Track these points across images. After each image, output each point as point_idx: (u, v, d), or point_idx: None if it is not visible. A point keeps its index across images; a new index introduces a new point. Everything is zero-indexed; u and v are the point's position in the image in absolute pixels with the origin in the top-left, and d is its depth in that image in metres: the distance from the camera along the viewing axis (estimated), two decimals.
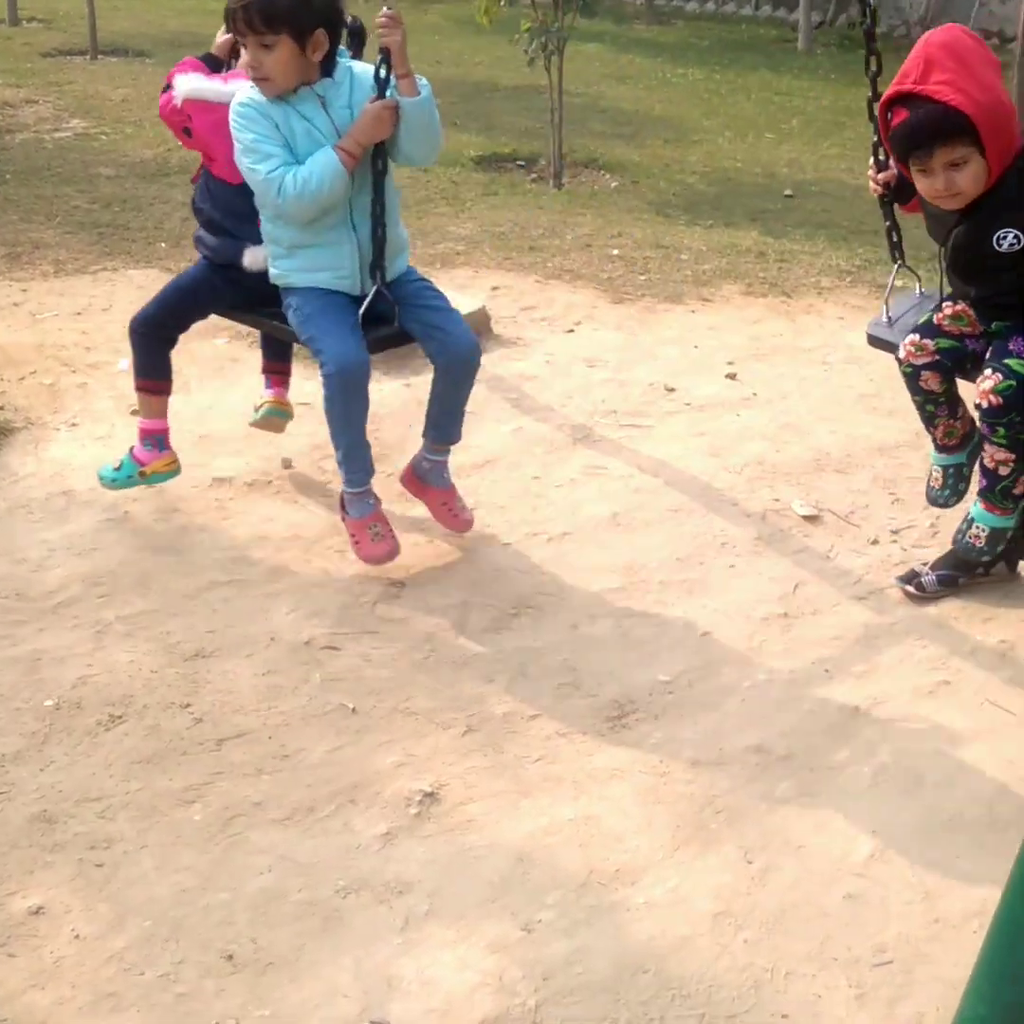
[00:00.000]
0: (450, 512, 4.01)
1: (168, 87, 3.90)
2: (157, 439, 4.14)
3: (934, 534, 4.20)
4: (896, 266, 3.78)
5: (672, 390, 5.21)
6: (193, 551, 4.00)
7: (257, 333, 5.36)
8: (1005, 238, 3.23)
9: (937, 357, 3.52)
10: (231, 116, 3.57)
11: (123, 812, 2.93)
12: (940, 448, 3.73)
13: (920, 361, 3.53)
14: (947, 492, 3.76)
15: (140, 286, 6.16)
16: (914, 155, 3.24)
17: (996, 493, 3.52)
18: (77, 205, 7.42)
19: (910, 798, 3.07)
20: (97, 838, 2.86)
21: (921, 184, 3.31)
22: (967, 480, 3.74)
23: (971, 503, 3.63)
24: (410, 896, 2.73)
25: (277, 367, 4.60)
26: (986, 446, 3.46)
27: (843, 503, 4.41)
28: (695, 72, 12.98)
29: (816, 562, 4.08)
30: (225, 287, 3.98)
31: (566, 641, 3.64)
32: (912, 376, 3.57)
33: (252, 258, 3.87)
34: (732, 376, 5.36)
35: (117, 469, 4.14)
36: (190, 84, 3.82)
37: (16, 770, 3.05)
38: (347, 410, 3.68)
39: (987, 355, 3.42)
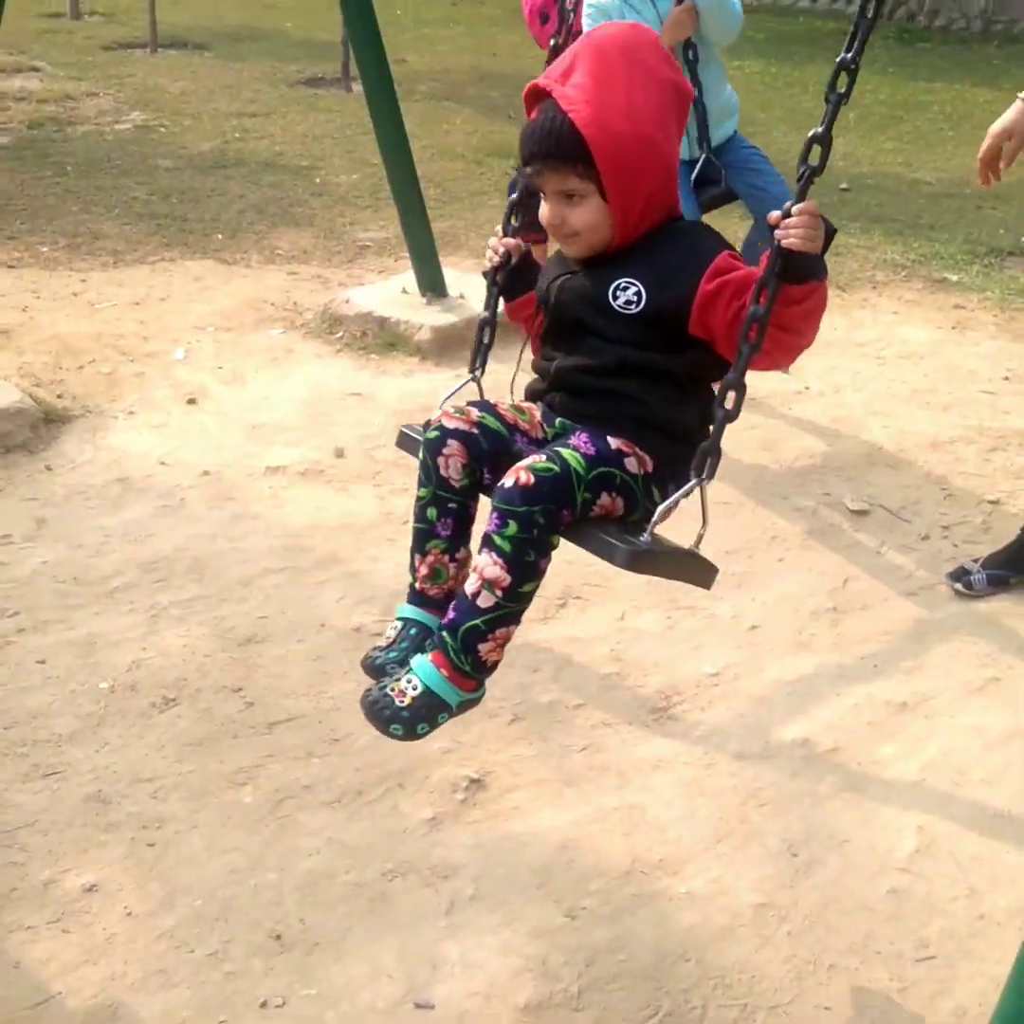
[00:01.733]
0: None
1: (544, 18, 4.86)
2: None
3: (986, 530, 4.17)
4: (469, 377, 2.65)
5: None
6: (246, 538, 4.05)
7: (308, 326, 5.43)
8: (623, 292, 2.29)
9: (475, 431, 2.37)
10: (583, 13, 4.32)
11: (175, 793, 2.99)
12: (414, 595, 2.50)
13: (452, 425, 2.37)
14: (392, 655, 2.42)
15: (197, 277, 6.25)
16: (526, 172, 2.39)
17: (458, 637, 2.27)
18: (136, 196, 7.52)
19: (956, 794, 3.07)
20: (149, 818, 2.91)
21: (542, 210, 2.39)
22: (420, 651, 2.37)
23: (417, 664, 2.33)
24: (455, 880, 2.76)
25: None
26: (480, 555, 2.25)
27: (895, 498, 4.40)
28: (751, 64, 12.91)
29: (866, 557, 4.07)
30: None
31: (612, 632, 3.66)
32: (433, 446, 2.38)
33: None
34: (784, 370, 5.35)
35: None
36: None
37: (72, 750, 3.11)
38: None
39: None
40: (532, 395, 2.53)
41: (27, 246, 6.55)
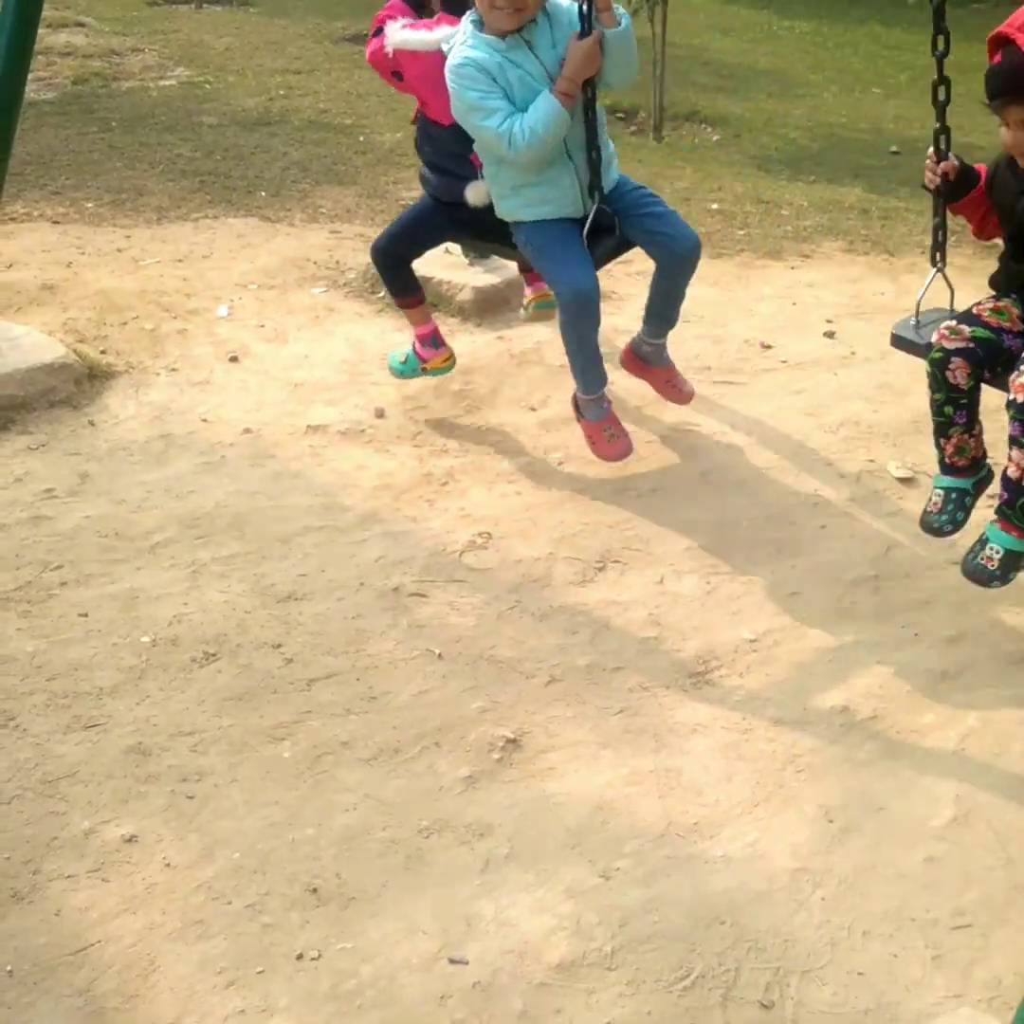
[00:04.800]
0: (672, 387, 4.36)
1: (377, 31, 4.06)
2: (431, 339, 4.56)
3: None
4: (935, 271, 3.43)
5: (768, 347, 5.15)
6: (287, 496, 4.06)
7: (350, 285, 5.42)
8: None
9: (971, 344, 3.17)
10: (449, 77, 3.70)
11: (214, 747, 3.02)
12: (946, 468, 3.39)
13: (952, 345, 3.19)
14: (945, 518, 3.38)
15: (240, 234, 6.24)
16: (991, 105, 3.09)
17: (1017, 509, 3.12)
18: (180, 153, 7.52)
19: (995, 764, 3.04)
20: (189, 771, 2.94)
21: (1005, 135, 3.13)
22: (967, 511, 3.40)
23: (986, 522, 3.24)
24: (490, 839, 2.77)
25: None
26: (1012, 452, 3.08)
27: (936, 467, 4.34)
28: (802, 25, 12.72)
29: (910, 525, 4.02)
30: (449, 222, 4.30)
31: (651, 596, 3.65)
32: (940, 364, 3.21)
33: (475, 194, 4.07)
34: (831, 334, 5.29)
35: (403, 362, 4.62)
36: (400, 36, 3.97)
37: (113, 703, 3.15)
38: (580, 330, 3.91)
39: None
40: (1005, 287, 3.27)
41: (72, 202, 6.57)
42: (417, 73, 4.02)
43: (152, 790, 2.88)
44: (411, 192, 6.98)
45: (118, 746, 3.00)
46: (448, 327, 5.26)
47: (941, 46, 3.23)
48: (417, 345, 4.58)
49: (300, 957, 2.49)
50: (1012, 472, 3.08)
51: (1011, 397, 3.01)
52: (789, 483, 4.23)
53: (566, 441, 4.43)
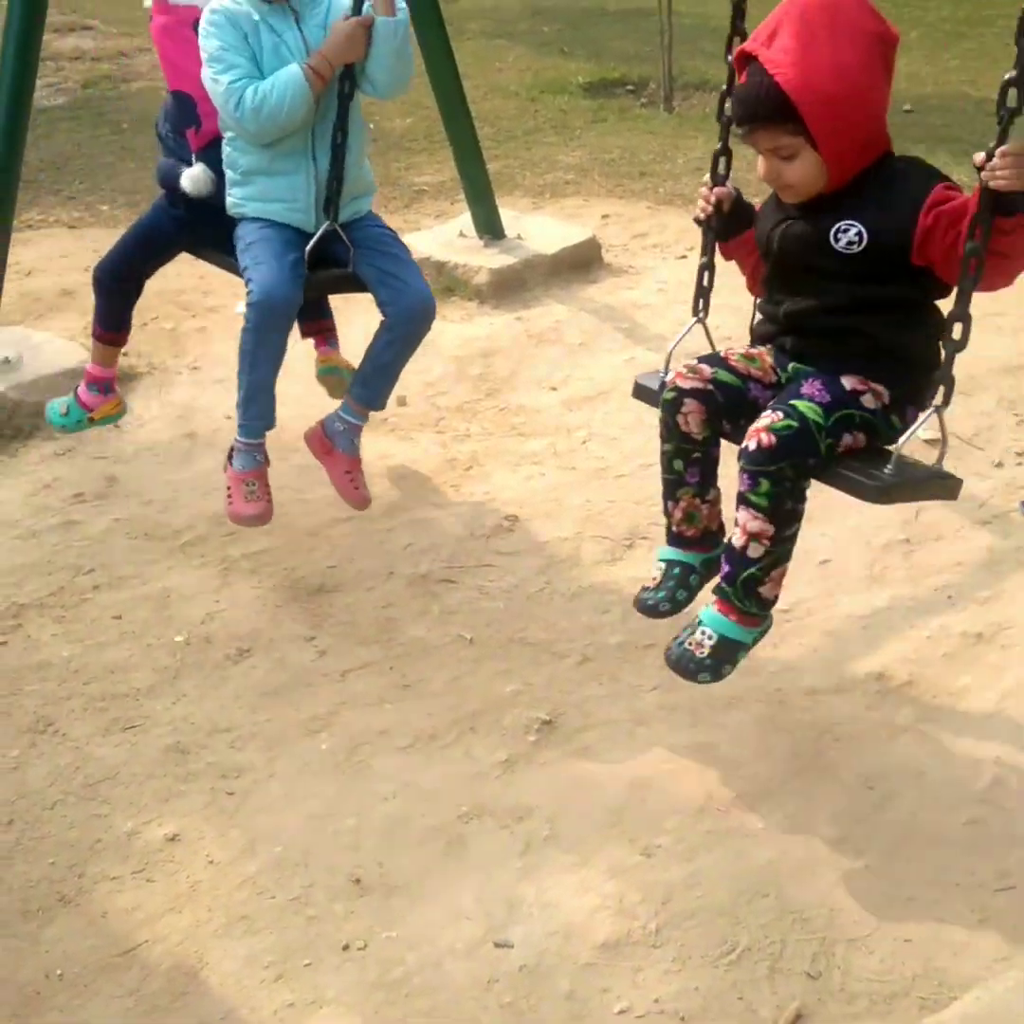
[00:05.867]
0: (352, 483, 3.70)
1: None
2: (104, 384, 4.05)
3: None
4: (694, 321, 2.85)
5: None
6: (312, 489, 4.07)
7: None
8: (844, 234, 2.47)
9: (710, 387, 2.63)
10: (201, 23, 3.39)
11: (252, 742, 3.03)
12: (673, 538, 2.81)
13: (688, 385, 2.64)
14: (662, 595, 2.77)
15: None
16: (740, 134, 2.60)
17: (738, 586, 2.56)
18: None
19: None
20: (228, 767, 2.96)
21: (759, 165, 2.57)
22: (692, 591, 2.81)
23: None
24: (530, 821, 2.78)
25: (317, 326, 4.30)
26: (740, 512, 2.53)
27: (967, 425, 4.30)
28: None
29: None
30: (180, 228, 3.76)
31: None
32: (672, 406, 2.66)
33: (192, 180, 3.60)
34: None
35: (65, 414, 4.06)
36: None
37: (150, 703, 3.17)
38: (261, 346, 3.44)
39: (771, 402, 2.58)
40: (760, 338, 2.73)
41: (87, 206, 6.59)
42: (162, 23, 3.61)
43: (192, 788, 2.90)
44: (422, 177, 6.97)
45: (157, 746, 3.03)
46: (466, 310, 5.26)
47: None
48: (82, 389, 4.03)
49: (346, 948, 2.50)
50: (738, 540, 2.53)
51: (744, 445, 2.48)
52: None
53: (588, 420, 4.42)
